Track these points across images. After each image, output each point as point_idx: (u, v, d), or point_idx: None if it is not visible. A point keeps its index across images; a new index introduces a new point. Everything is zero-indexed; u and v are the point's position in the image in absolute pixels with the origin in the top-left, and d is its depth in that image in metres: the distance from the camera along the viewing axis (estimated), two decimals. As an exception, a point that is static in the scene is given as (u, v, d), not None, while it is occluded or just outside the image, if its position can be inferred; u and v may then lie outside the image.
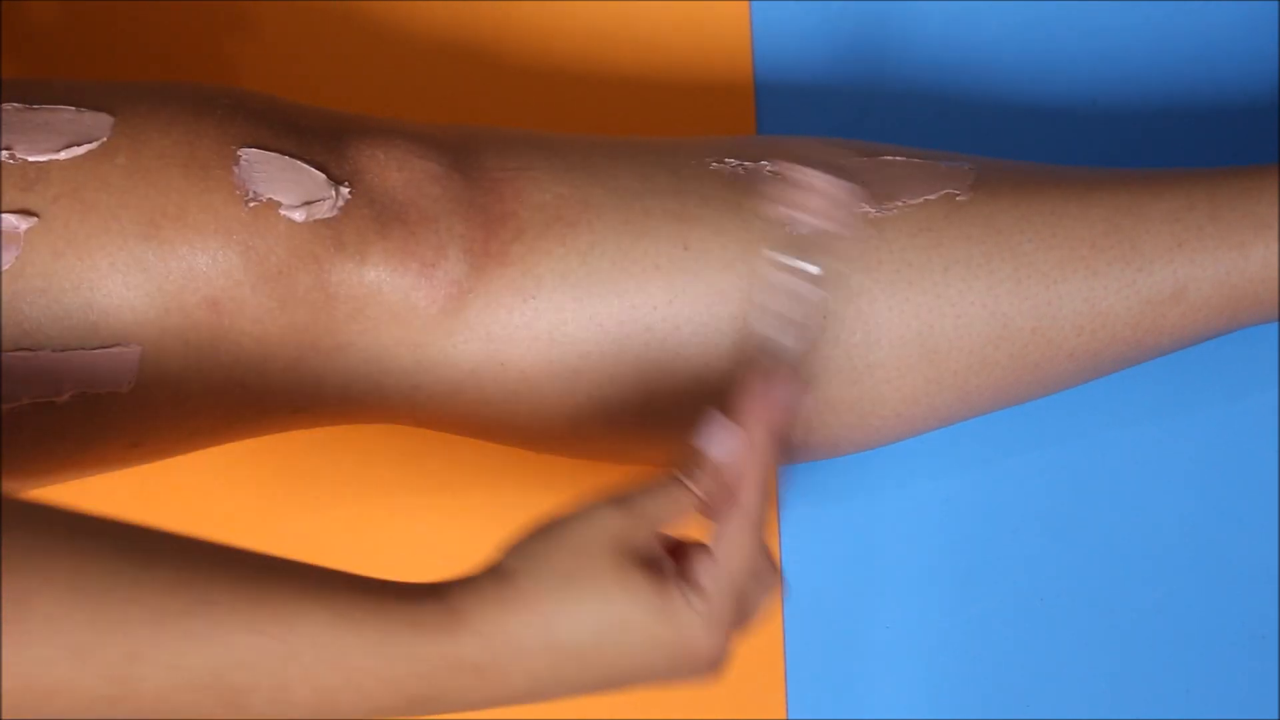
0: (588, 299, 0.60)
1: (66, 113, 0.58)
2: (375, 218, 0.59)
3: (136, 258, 0.57)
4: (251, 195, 0.58)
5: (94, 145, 0.57)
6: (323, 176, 0.59)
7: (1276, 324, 0.70)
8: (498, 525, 0.68)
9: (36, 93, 0.59)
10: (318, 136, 0.60)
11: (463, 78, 0.72)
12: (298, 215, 0.58)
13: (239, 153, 0.58)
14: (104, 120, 0.58)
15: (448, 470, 0.68)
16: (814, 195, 0.55)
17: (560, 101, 0.72)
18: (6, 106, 0.57)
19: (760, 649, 0.68)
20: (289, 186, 0.58)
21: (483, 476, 0.68)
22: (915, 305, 0.61)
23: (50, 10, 0.71)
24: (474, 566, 0.51)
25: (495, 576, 0.51)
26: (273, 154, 0.59)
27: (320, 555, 0.68)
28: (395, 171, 0.60)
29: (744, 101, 0.72)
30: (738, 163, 0.62)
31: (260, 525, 0.68)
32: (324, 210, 0.59)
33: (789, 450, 0.56)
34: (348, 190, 0.59)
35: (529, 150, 0.62)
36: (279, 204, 0.58)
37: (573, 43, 0.72)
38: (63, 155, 0.57)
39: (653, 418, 0.61)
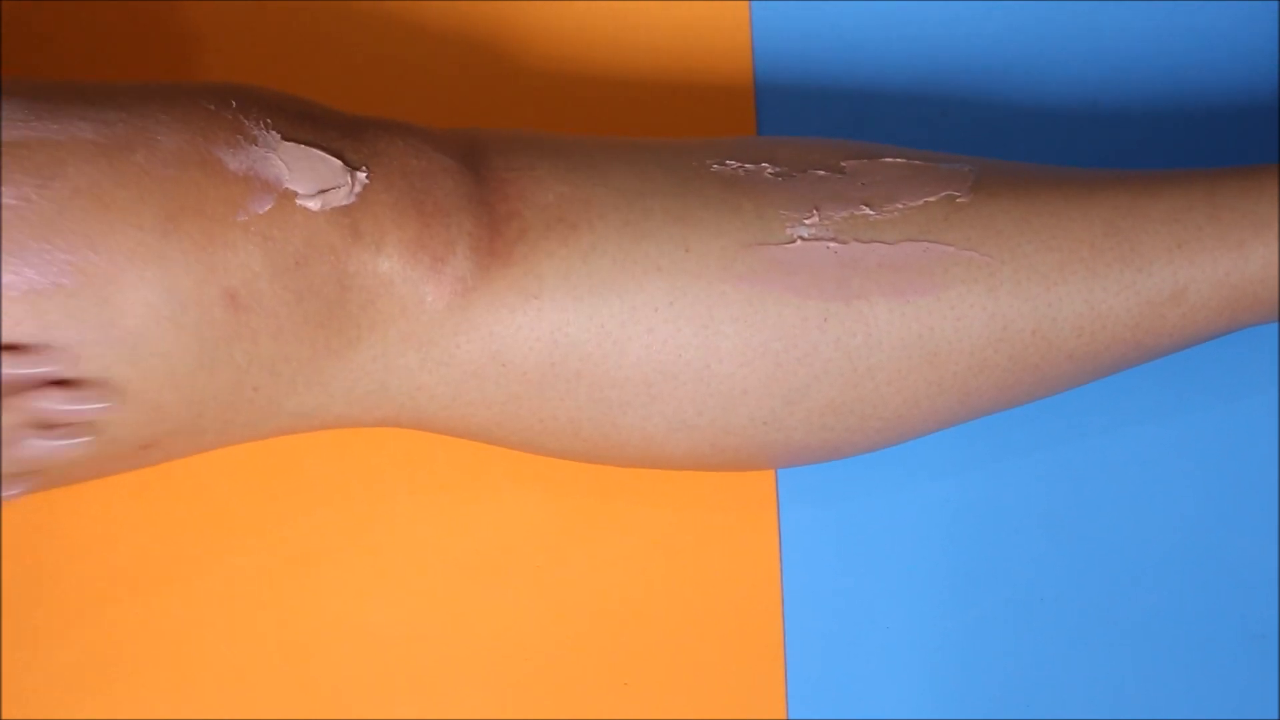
0: (589, 299, 0.60)
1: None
2: (393, 205, 0.59)
3: (156, 253, 0.57)
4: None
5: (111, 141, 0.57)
6: (339, 163, 0.59)
7: (1277, 324, 0.70)
8: (498, 527, 0.69)
9: (41, 94, 0.59)
10: (334, 125, 0.60)
11: (462, 79, 0.72)
12: (313, 204, 0.58)
13: (255, 144, 0.58)
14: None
15: (448, 471, 0.69)
16: None
17: (560, 102, 0.72)
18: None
19: (760, 649, 0.68)
20: (305, 175, 0.58)
21: (483, 478, 0.68)
22: (916, 308, 0.61)
23: (51, 10, 0.71)
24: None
25: None
26: (289, 143, 0.59)
27: (320, 556, 0.68)
28: (413, 159, 0.60)
29: (744, 101, 0.72)
30: (738, 164, 0.62)
31: (260, 526, 0.68)
32: (340, 198, 0.59)
33: None
34: (365, 175, 0.59)
35: (532, 150, 0.62)
36: (295, 193, 0.58)
37: (571, 43, 0.72)
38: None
39: (654, 420, 0.61)
